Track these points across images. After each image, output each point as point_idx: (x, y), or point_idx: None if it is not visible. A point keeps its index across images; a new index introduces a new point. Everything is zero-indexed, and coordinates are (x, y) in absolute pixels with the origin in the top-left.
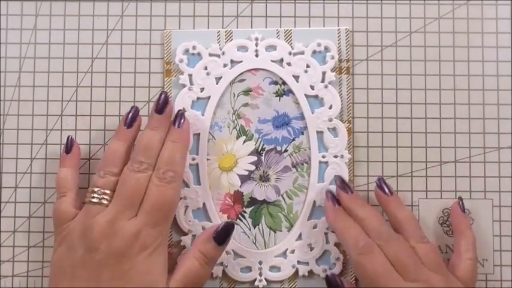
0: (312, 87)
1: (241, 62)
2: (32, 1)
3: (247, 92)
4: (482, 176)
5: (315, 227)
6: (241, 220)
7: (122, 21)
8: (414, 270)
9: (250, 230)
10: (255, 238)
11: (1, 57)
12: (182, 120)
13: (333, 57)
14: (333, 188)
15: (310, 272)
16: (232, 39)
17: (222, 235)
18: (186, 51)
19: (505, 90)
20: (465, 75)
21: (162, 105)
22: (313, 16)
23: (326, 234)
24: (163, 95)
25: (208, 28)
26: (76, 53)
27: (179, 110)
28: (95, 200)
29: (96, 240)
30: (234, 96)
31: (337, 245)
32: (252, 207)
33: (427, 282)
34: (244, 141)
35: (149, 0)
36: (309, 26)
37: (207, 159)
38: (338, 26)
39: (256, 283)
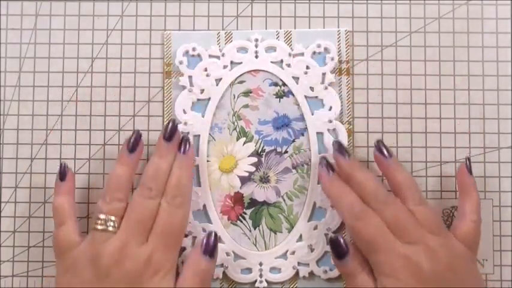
0: (312, 89)
1: (241, 63)
2: (32, 1)
3: (247, 93)
4: (482, 176)
5: (315, 228)
6: (241, 221)
7: (122, 21)
8: (411, 233)
9: (250, 231)
10: (256, 239)
11: (1, 57)
12: (187, 147)
13: (332, 59)
14: (328, 154)
15: (311, 274)
16: (232, 41)
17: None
18: (186, 52)
19: (505, 90)
20: (465, 75)
21: (170, 133)
22: (313, 16)
23: (326, 235)
24: (171, 123)
25: (208, 28)
26: (76, 53)
27: (184, 136)
28: (100, 227)
29: (107, 267)
30: (234, 98)
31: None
32: (252, 209)
33: (424, 244)
34: (244, 143)
35: (149, 0)
36: (309, 26)
37: (207, 161)
38: (338, 26)
39: (256, 284)
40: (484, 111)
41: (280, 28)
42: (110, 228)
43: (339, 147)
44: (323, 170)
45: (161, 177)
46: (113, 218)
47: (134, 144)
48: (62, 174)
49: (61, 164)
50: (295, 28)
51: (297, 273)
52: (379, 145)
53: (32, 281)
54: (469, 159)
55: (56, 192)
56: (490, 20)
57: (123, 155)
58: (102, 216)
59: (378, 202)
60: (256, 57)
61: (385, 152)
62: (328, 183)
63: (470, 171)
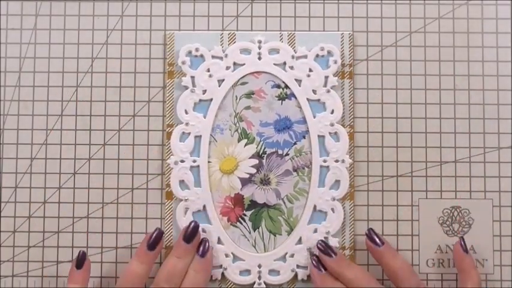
0: (314, 92)
1: (244, 64)
2: (32, 1)
3: (249, 94)
4: (482, 176)
5: (315, 231)
6: (241, 223)
7: (122, 21)
8: None
9: (250, 233)
10: (255, 241)
11: (1, 57)
12: (206, 249)
13: (335, 62)
14: (316, 251)
15: (309, 276)
16: (235, 42)
17: None
18: (189, 53)
19: (505, 90)
20: (465, 75)
21: (190, 235)
22: (314, 16)
23: (326, 238)
24: (193, 224)
25: (208, 28)
26: (76, 53)
27: (203, 238)
28: None
29: None
30: (236, 99)
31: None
32: (252, 211)
33: None
34: (245, 144)
35: (149, 0)
36: (309, 27)
37: (208, 162)
38: (338, 26)
39: (255, 286)
40: (484, 111)
41: (281, 28)
42: None
43: (324, 248)
44: (314, 269)
45: (176, 278)
46: None
47: (154, 242)
48: (80, 262)
49: (79, 252)
50: (295, 28)
51: (296, 276)
52: (371, 234)
53: (32, 281)
54: (462, 238)
55: (70, 280)
56: (490, 20)
57: (141, 252)
58: None
59: None
60: (259, 58)
61: (378, 241)
62: (320, 281)
63: (466, 251)
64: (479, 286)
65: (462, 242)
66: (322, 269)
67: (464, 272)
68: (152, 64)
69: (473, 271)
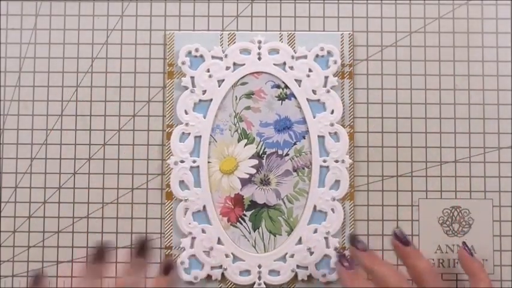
0: (314, 92)
1: (244, 64)
2: (32, 1)
3: (249, 95)
4: (482, 176)
5: (315, 231)
6: (241, 223)
7: (122, 21)
8: None
9: (250, 233)
10: (255, 242)
11: (1, 57)
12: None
13: (335, 62)
14: (341, 251)
15: (310, 277)
16: (235, 42)
17: None
18: (189, 53)
19: (505, 90)
20: (465, 75)
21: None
22: (314, 16)
23: (326, 238)
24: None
25: (208, 28)
26: (76, 53)
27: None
28: None
29: None
30: (236, 99)
31: (336, 249)
32: (252, 211)
33: None
34: (245, 145)
35: (149, 0)
36: (309, 27)
37: (208, 162)
38: (338, 26)
39: (255, 286)
40: (484, 111)
41: (280, 28)
42: None
43: (357, 241)
44: (342, 267)
45: None
46: None
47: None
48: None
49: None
50: (295, 28)
51: (296, 276)
52: (398, 234)
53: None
54: (464, 243)
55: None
56: (490, 20)
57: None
58: None
59: None
60: (259, 59)
61: (405, 241)
62: (350, 280)
63: (471, 254)
64: (491, 287)
65: (466, 247)
66: (349, 265)
67: (475, 275)
68: (152, 64)
69: (483, 274)
